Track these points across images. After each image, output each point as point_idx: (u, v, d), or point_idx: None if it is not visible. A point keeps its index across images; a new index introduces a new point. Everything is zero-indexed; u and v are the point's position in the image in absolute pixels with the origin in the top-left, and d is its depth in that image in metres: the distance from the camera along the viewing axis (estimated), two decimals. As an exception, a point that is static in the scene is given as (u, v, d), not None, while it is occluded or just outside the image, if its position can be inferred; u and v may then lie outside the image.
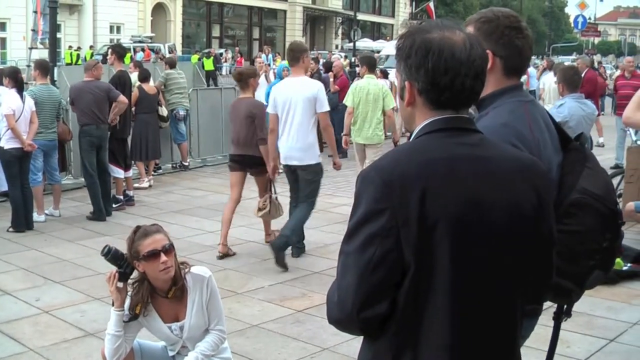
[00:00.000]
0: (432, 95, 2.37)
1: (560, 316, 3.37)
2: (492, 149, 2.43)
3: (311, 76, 18.24)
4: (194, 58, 44.65)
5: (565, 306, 3.37)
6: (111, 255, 4.62)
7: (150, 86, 14.23)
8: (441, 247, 2.24)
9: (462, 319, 2.28)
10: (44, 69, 11.27)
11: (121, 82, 12.08)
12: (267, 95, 15.69)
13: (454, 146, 2.34)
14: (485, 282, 2.31)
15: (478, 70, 2.35)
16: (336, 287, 2.34)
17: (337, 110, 18.10)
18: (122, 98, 11.52)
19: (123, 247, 4.72)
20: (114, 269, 4.65)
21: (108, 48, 13.38)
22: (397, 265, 2.24)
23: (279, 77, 15.99)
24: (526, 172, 2.43)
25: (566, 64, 18.16)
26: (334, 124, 17.93)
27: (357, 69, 17.76)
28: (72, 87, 11.53)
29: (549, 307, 3.38)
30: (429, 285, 2.25)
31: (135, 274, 4.69)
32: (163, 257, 4.51)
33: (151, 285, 4.66)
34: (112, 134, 11.76)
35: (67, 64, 39.74)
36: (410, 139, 2.47)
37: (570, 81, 8.33)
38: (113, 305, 4.66)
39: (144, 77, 14.06)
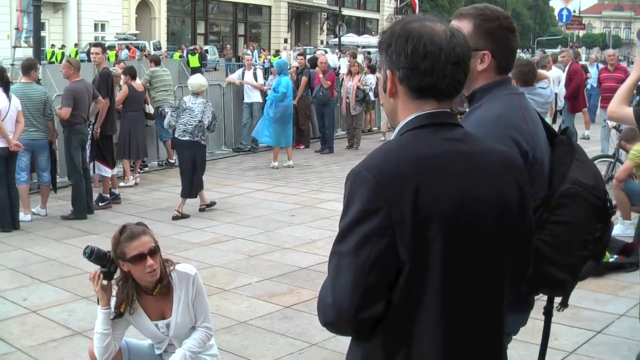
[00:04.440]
0: (412, 81, 2.36)
1: (550, 311, 3.38)
2: (476, 143, 2.43)
3: (300, 72, 18.40)
4: (176, 55, 44.51)
5: (553, 301, 3.39)
6: (94, 255, 4.59)
7: (138, 83, 14.22)
8: (435, 244, 2.23)
9: (454, 314, 2.29)
10: (24, 68, 11.28)
11: (110, 80, 12.10)
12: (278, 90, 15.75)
13: (441, 142, 2.34)
14: (476, 277, 2.32)
15: (459, 58, 2.34)
16: (330, 289, 2.29)
17: (328, 105, 18.14)
18: (101, 99, 11.70)
19: (109, 246, 4.70)
20: (97, 268, 4.64)
21: (93, 46, 13.26)
22: (392, 264, 2.23)
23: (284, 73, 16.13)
24: (509, 165, 2.46)
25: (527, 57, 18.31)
26: (325, 119, 18.13)
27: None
28: (73, 87, 11.36)
29: (536, 300, 3.39)
30: (423, 282, 2.25)
31: (118, 272, 4.67)
32: (149, 261, 4.50)
33: (136, 283, 4.65)
34: (101, 131, 11.76)
35: (50, 63, 39.50)
36: (394, 136, 2.46)
37: (525, 78, 8.35)
38: (99, 304, 4.65)
39: (131, 74, 14.01)
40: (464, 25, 3.10)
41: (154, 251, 4.56)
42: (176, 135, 11.47)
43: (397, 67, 2.37)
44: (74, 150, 11.22)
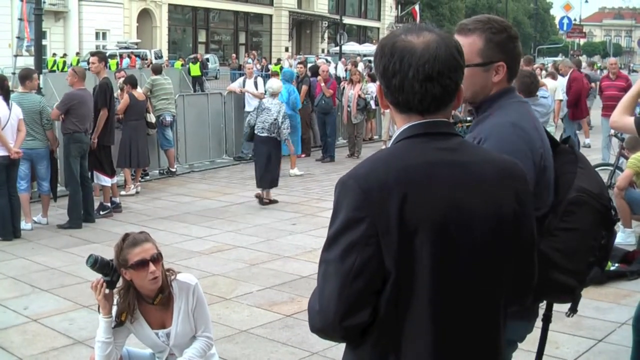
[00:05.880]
0: (390, 97, 2.39)
1: (549, 318, 3.40)
2: (472, 153, 2.42)
3: (301, 81, 18.44)
4: (177, 64, 44.55)
5: (552, 307, 3.41)
6: (99, 264, 4.59)
7: (139, 92, 14.19)
8: (422, 254, 2.24)
9: (444, 325, 2.29)
10: (20, 77, 11.30)
11: (109, 90, 12.04)
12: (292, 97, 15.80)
13: (432, 151, 2.33)
14: (466, 288, 2.31)
15: (430, 74, 2.30)
16: (317, 296, 2.33)
17: (330, 114, 18.17)
18: (104, 111, 11.79)
19: (110, 254, 4.71)
20: (100, 277, 4.63)
21: (91, 55, 13.21)
22: (378, 273, 2.24)
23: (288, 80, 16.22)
24: (506, 175, 2.42)
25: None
26: (326, 128, 18.15)
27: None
28: (73, 94, 11.29)
29: (540, 308, 3.39)
30: (410, 292, 2.26)
31: (120, 282, 4.67)
32: (152, 267, 4.50)
33: (137, 292, 4.65)
34: (99, 142, 11.75)
35: (51, 71, 39.57)
36: (390, 144, 2.47)
37: (529, 89, 8.37)
38: (100, 312, 4.64)
39: (132, 83, 14.00)
40: (473, 40, 3.14)
41: (156, 258, 4.56)
42: (255, 132, 12.93)
43: (380, 82, 2.42)
44: (73, 159, 11.22)
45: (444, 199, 2.27)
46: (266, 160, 12.76)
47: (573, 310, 3.40)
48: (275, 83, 13.66)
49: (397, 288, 2.25)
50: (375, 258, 2.23)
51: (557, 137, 3.45)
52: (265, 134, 12.77)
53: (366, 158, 2.40)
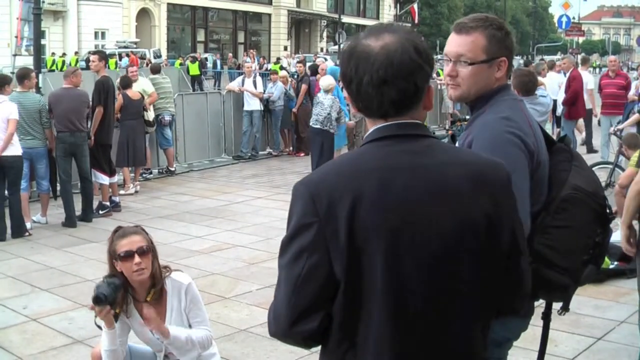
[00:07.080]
0: (352, 101, 2.36)
1: (549, 316, 3.40)
2: (442, 155, 2.32)
3: (300, 80, 18.42)
4: (177, 63, 44.50)
5: (551, 306, 3.41)
6: (108, 300, 4.49)
7: (134, 92, 14.08)
8: (374, 261, 2.18)
9: (402, 331, 2.22)
10: (18, 77, 11.31)
11: (105, 88, 11.96)
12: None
13: (395, 155, 2.26)
14: (426, 297, 2.23)
15: (385, 78, 2.23)
16: (273, 302, 2.33)
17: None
18: (99, 109, 11.76)
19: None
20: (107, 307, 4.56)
21: (92, 54, 13.22)
22: (327, 280, 2.20)
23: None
24: (480, 178, 2.30)
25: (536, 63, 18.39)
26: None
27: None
28: (51, 94, 11.43)
29: (537, 307, 3.39)
30: (362, 300, 2.21)
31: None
32: (137, 259, 4.51)
33: (132, 287, 4.66)
34: (96, 140, 11.74)
35: (50, 71, 39.55)
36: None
37: (526, 88, 8.37)
38: (101, 328, 4.62)
39: (126, 83, 13.96)
40: (476, 38, 3.15)
41: (144, 251, 4.56)
42: (310, 124, 14.33)
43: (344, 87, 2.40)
44: (59, 158, 11.29)
45: (401, 205, 2.20)
46: (319, 151, 13.89)
47: (565, 308, 3.39)
48: (327, 80, 14.55)
49: (350, 295, 2.20)
50: (323, 264, 2.19)
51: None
52: (318, 126, 13.91)
53: (326, 163, 2.39)
